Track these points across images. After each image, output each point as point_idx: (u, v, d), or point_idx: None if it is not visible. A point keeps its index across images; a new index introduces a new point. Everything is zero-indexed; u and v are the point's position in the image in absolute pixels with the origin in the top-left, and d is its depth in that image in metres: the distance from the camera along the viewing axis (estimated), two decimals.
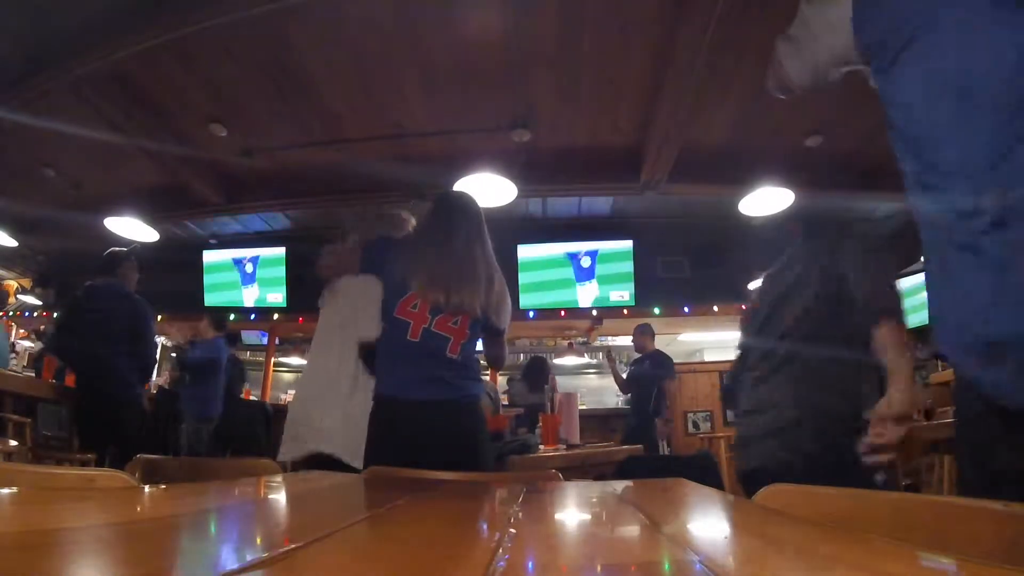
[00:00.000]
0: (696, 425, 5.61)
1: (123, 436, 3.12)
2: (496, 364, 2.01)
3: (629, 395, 4.73)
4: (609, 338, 6.47)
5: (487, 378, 5.20)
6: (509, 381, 5.24)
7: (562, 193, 4.65)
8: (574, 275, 5.22)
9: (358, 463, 1.67)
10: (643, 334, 4.67)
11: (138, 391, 3.32)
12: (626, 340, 5.54)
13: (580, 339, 6.41)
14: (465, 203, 1.85)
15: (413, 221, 2.25)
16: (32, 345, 5.12)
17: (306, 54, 3.08)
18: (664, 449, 4.40)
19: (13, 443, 2.84)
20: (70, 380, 3.74)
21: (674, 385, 4.65)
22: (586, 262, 5.21)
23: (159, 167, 4.21)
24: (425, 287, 1.64)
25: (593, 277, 5.20)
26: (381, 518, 0.61)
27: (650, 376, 4.47)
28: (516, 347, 7.88)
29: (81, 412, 3.18)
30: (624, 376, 4.78)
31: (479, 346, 1.79)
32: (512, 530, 0.51)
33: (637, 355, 4.74)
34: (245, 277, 5.75)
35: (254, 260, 5.71)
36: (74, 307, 3.28)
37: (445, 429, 1.59)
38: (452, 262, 1.68)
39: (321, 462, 1.84)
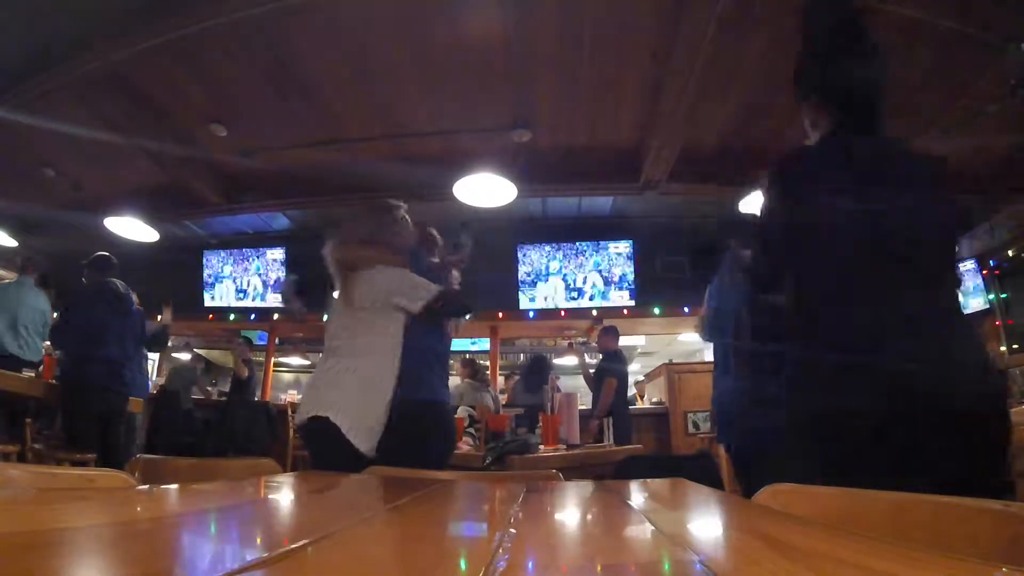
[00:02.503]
0: (696, 425, 5.60)
1: (121, 433, 3.17)
2: None
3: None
4: None
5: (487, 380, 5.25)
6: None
7: (562, 193, 4.65)
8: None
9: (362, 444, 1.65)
10: (605, 335, 4.79)
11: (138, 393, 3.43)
12: (626, 340, 5.56)
13: (580, 339, 6.41)
14: None
15: (403, 211, 2.17)
16: None
17: (306, 54, 3.08)
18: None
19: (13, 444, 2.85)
20: None
21: (612, 383, 4.67)
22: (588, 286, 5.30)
23: (159, 167, 4.21)
24: None
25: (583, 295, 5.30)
26: (381, 518, 0.61)
27: (601, 371, 4.64)
28: (516, 347, 7.89)
29: (81, 409, 3.14)
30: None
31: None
32: (512, 530, 0.51)
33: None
34: (244, 278, 5.75)
35: (254, 257, 5.72)
36: (85, 302, 3.29)
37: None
38: None
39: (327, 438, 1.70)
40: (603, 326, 4.88)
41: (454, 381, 4.77)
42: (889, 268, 1.09)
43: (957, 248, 1.31)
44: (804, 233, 1.16)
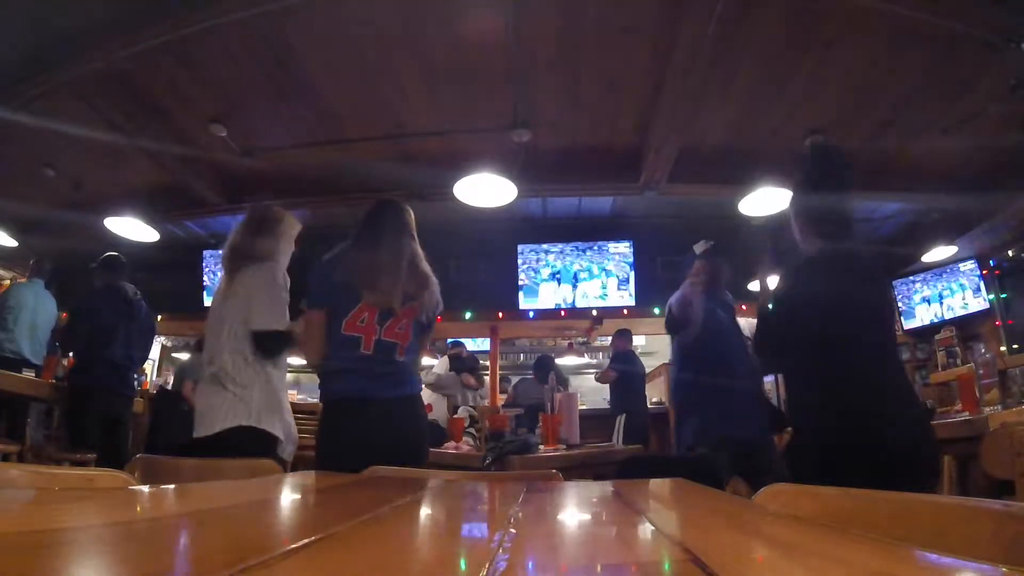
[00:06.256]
0: None
1: (123, 435, 3.19)
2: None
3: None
4: (609, 338, 6.49)
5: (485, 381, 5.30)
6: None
7: (562, 193, 4.65)
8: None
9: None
10: (618, 337, 5.11)
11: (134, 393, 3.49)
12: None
13: (580, 339, 6.41)
14: (392, 212, 1.92)
15: (289, 221, 2.21)
16: None
17: (306, 54, 3.07)
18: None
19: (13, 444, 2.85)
20: None
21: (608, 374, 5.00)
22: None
23: (159, 167, 4.20)
24: (374, 296, 1.74)
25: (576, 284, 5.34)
26: (381, 518, 0.61)
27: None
28: (516, 347, 7.89)
29: (86, 411, 3.15)
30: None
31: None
32: (512, 530, 0.51)
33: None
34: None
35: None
36: (94, 305, 3.32)
37: (402, 423, 1.73)
38: (392, 268, 1.77)
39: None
40: (617, 329, 5.11)
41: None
42: (846, 343, 1.55)
43: (894, 318, 2.04)
44: (803, 318, 1.63)
